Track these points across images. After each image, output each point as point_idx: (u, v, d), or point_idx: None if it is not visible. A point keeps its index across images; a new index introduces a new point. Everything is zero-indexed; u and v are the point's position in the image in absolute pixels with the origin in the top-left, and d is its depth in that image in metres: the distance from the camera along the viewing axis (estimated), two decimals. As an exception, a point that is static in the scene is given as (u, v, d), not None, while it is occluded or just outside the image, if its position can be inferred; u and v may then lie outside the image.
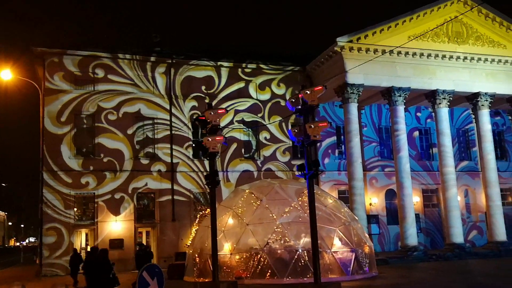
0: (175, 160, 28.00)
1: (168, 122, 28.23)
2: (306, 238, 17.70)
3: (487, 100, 30.24)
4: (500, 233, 29.11)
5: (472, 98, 30.43)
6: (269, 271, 17.99)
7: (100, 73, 27.42)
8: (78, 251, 23.06)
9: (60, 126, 26.39)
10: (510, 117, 34.11)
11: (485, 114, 30.35)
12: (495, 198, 29.59)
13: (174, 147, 28.09)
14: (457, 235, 28.09)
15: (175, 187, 27.75)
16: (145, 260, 17.06)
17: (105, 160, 26.82)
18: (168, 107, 28.38)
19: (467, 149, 34.76)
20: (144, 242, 27.24)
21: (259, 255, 18.26)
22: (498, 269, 22.15)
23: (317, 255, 13.94)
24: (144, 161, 27.63)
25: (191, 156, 28.29)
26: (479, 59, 30.03)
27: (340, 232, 19.26)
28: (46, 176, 25.75)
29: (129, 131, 27.55)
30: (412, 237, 26.98)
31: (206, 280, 18.01)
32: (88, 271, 14.62)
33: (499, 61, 30.52)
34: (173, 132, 28.16)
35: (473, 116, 31.85)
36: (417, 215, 29.68)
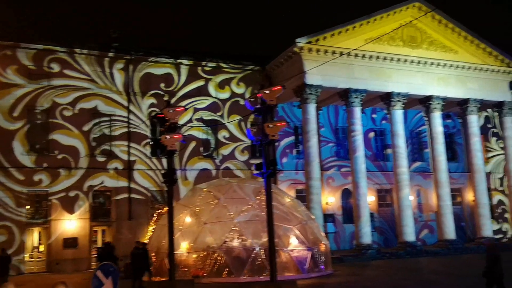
0: (132, 158, 27.58)
1: (126, 119, 27.76)
2: (263, 237, 17.87)
3: (439, 103, 31.41)
4: (450, 232, 30.31)
5: (425, 101, 31.53)
6: (226, 269, 18.08)
7: (56, 67, 26.64)
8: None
9: (12, 121, 25.45)
10: (460, 120, 35.53)
11: (437, 117, 31.51)
12: (446, 198, 30.77)
13: (131, 144, 27.66)
14: (409, 233, 29.04)
15: (132, 185, 27.33)
16: (143, 259, 17.01)
17: (59, 157, 26.08)
18: (126, 104, 27.90)
19: (419, 150, 35.96)
20: (99, 241, 26.69)
21: (216, 254, 18.32)
22: (447, 266, 23.10)
23: (273, 254, 14.12)
24: (101, 159, 27.05)
25: (148, 154, 27.93)
26: (432, 63, 31.15)
27: (296, 231, 19.56)
28: (-4, 173, 24.79)
29: (85, 128, 26.91)
30: (367, 235, 27.69)
31: (163, 279, 17.88)
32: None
33: (451, 65, 31.78)
34: (130, 129, 27.70)
35: (426, 119, 32.99)
36: (371, 214, 30.46)
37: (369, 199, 29.54)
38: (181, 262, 18.47)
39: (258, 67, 31.03)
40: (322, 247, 20.32)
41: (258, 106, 15.02)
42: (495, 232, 34.31)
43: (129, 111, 27.89)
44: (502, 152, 35.80)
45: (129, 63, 28.19)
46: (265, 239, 16.79)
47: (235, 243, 18.82)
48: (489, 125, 38.14)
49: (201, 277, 18.04)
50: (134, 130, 27.75)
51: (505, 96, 34.11)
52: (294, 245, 19.32)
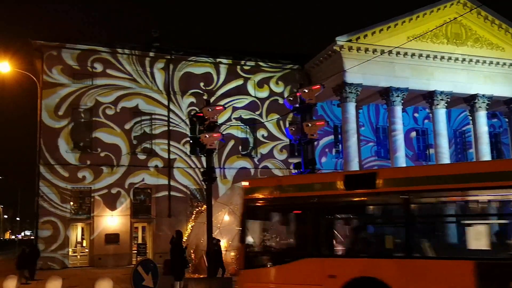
0: (172, 156, 28.01)
1: (166, 118, 28.23)
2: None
3: (484, 102, 30.32)
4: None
5: (470, 100, 30.50)
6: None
7: (99, 67, 27.38)
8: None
9: (57, 119, 26.35)
10: (507, 120, 34.18)
11: (482, 116, 30.43)
12: (491, 200, 29.63)
13: (171, 143, 28.10)
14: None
15: (172, 183, 27.76)
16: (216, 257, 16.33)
17: (102, 154, 26.80)
18: (166, 103, 28.37)
19: (463, 150, 34.86)
20: (140, 237, 27.28)
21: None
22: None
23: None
24: (141, 157, 27.62)
25: (188, 152, 28.30)
26: (478, 61, 30.08)
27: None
28: (43, 169, 25.72)
29: (127, 126, 27.53)
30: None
31: (201, 276, 18.04)
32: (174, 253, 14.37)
33: (497, 63, 30.59)
34: (170, 128, 28.15)
35: (470, 118, 31.89)
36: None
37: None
38: (220, 260, 18.51)
39: (297, 65, 30.86)
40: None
41: (297, 105, 14.97)
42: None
43: (169, 110, 28.33)
44: (552, 153, 34.19)
45: (169, 63, 28.63)
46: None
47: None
48: (538, 125, 36.49)
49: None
50: (174, 128, 28.18)
51: (556, 94, 32.52)
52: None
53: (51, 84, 26.41)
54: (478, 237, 8.38)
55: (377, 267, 8.74)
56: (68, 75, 26.80)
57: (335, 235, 9.89)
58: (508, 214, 8.68)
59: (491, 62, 30.41)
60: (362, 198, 9.63)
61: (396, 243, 9.13)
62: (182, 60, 28.94)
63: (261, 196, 10.73)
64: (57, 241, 25.30)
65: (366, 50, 27.65)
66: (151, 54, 28.37)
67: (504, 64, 30.76)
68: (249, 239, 10.84)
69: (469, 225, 8.65)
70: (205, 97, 26.29)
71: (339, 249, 9.74)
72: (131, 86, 27.83)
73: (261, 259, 10.35)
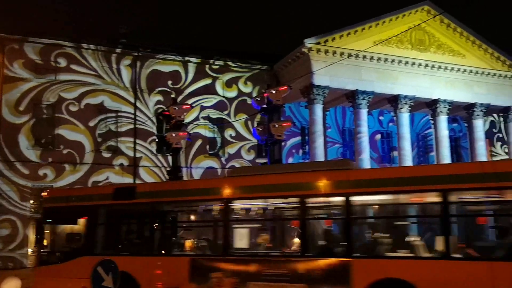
0: (138, 155, 27.63)
1: (132, 116, 27.82)
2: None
3: (445, 107, 31.28)
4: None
5: (432, 104, 31.40)
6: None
7: (63, 62, 26.71)
8: None
9: (18, 115, 25.55)
10: (466, 124, 35.36)
11: (443, 121, 31.38)
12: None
13: (137, 141, 27.72)
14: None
15: (137, 182, 27.36)
16: None
17: (64, 152, 26.16)
18: (132, 100, 27.95)
19: (425, 153, 35.82)
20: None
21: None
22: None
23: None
24: (106, 155, 27.12)
25: (154, 151, 27.98)
26: (440, 67, 31.01)
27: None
28: (2, 166, 24.88)
29: (91, 123, 26.98)
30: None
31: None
32: None
33: (458, 69, 31.62)
34: (137, 126, 27.76)
35: (432, 122, 32.85)
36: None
37: (373, 201, 29.41)
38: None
39: (266, 66, 31.01)
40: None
41: (264, 106, 15.08)
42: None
43: (136, 108, 27.94)
44: (506, 157, 35.56)
45: (137, 60, 28.24)
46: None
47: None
48: (495, 130, 37.91)
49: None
50: (140, 126, 27.80)
51: (512, 101, 33.92)
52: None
53: (12, 79, 25.58)
54: (192, 238, 11.16)
55: (130, 263, 10.69)
56: (30, 70, 26.02)
57: (105, 238, 11.95)
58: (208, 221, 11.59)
59: (452, 68, 31.40)
60: (124, 207, 11.83)
61: (145, 243, 11.35)
62: (150, 57, 28.59)
63: (55, 205, 12.79)
64: (16, 240, 24.52)
65: (334, 53, 28.06)
66: (118, 50, 27.89)
67: (465, 70, 31.82)
68: (44, 241, 12.88)
69: (188, 229, 11.80)
70: (172, 96, 26.03)
71: (106, 248, 11.70)
72: (96, 83, 27.28)
73: (52, 257, 12.47)
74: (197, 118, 29.10)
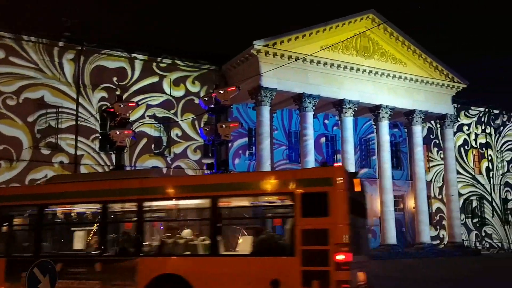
0: (79, 152, 26.72)
1: (74, 112, 26.87)
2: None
3: (387, 113, 32.51)
4: (391, 237, 31.41)
5: (375, 110, 32.54)
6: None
7: (0, 54, 25.38)
8: None
9: (-51, 107, 24.02)
10: (406, 130, 36.93)
11: (384, 126, 32.59)
12: (389, 204, 31.87)
13: (79, 138, 26.79)
14: (354, 237, 29.77)
15: (78, 181, 26.45)
16: None
17: (0, 148, 24.86)
18: (75, 96, 27.00)
19: (367, 157, 37.03)
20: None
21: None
22: (385, 269, 23.87)
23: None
24: (45, 152, 26.02)
25: (97, 149, 27.16)
26: (383, 73, 32.20)
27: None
28: None
29: (30, 119, 25.80)
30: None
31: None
32: None
33: (400, 77, 32.97)
34: (79, 122, 26.83)
35: (374, 127, 34.04)
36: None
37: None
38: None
39: (214, 66, 30.93)
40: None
41: (212, 106, 14.99)
42: (433, 238, 35.86)
43: (78, 104, 27.01)
44: (442, 162, 37.48)
45: (81, 54, 27.31)
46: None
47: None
48: (432, 136, 39.83)
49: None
50: (82, 123, 26.88)
51: (448, 109, 35.78)
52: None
53: None
54: (10, 241, 11.70)
55: None
56: (-36, 60, 24.54)
57: None
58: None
59: (394, 76, 32.69)
60: None
61: None
62: (95, 52, 27.74)
63: None
64: None
65: (282, 56, 28.43)
66: (61, 43, 26.85)
67: (406, 78, 33.22)
68: None
69: (7, 232, 12.00)
70: (117, 93, 25.40)
71: None
72: (37, 76, 26.12)
73: None
74: (142, 117, 28.55)
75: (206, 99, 15.39)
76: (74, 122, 26.76)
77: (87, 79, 27.37)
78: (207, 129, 15.05)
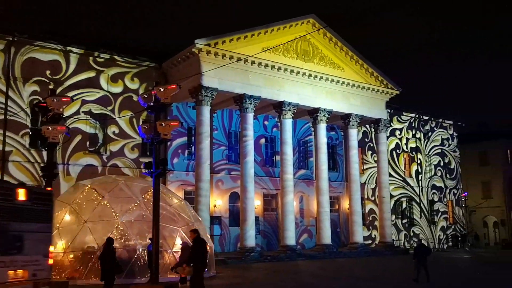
0: (7, 148, 25.23)
1: (3, 106, 25.35)
2: (148, 237, 17.43)
3: (325, 116, 33.38)
4: (326, 237, 32.26)
5: (313, 113, 33.31)
6: (106, 270, 17.27)
7: None
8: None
9: None
10: (342, 133, 38.12)
11: (322, 128, 33.45)
12: (325, 205, 32.72)
13: (7, 133, 25.30)
14: (291, 238, 30.36)
15: (6, 178, 24.91)
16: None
17: None
18: (4, 89, 25.48)
19: (305, 159, 37.84)
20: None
21: (96, 255, 17.41)
22: (322, 269, 24.55)
23: (157, 255, 13.86)
24: (-31, 147, 24.36)
25: (27, 145, 25.78)
26: (321, 77, 33.03)
27: (182, 232, 19.39)
28: None
29: (-48, 111, 24.05)
30: (251, 238, 28.38)
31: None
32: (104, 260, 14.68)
33: (338, 81, 33.98)
34: (8, 117, 25.33)
35: (313, 129, 34.84)
36: (257, 218, 31.31)
37: (255, 203, 30.33)
38: (57, 263, 17.27)
39: (154, 63, 30.34)
40: (208, 249, 20.35)
41: (151, 104, 14.72)
42: (365, 238, 37.26)
43: (7, 97, 25.49)
44: (376, 165, 39.02)
45: (11, 45, 25.83)
46: (148, 240, 16.45)
47: (117, 243, 18.07)
48: (367, 140, 41.39)
49: (77, 278, 17.07)
50: (11, 118, 25.40)
51: (382, 114, 37.33)
52: (179, 247, 19.09)
53: None
54: None
55: None
56: None
57: None
58: None
59: (332, 80, 33.63)
60: None
61: None
62: (27, 43, 26.32)
63: None
64: None
65: (224, 56, 28.41)
66: (-11, 33, 25.26)
67: (343, 83, 34.28)
68: None
69: None
70: (51, 87, 24.21)
71: None
72: (-39, 66, 24.40)
73: None
74: (77, 112, 27.47)
75: (146, 96, 15.08)
76: (2, 116, 25.24)
77: (17, 72, 25.93)
78: (146, 127, 14.76)
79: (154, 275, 13.78)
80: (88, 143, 27.94)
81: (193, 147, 30.98)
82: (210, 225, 27.81)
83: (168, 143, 29.35)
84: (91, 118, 28.02)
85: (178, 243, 19.15)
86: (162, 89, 14.25)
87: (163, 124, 14.16)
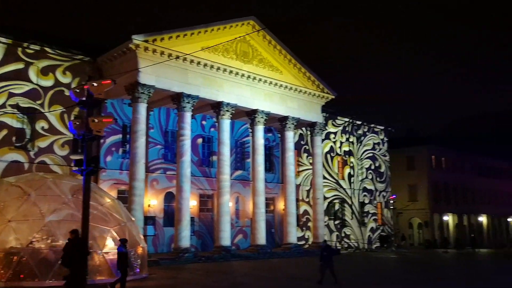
0: None
1: None
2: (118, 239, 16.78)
3: (263, 118, 33.73)
4: (261, 237, 32.58)
5: (251, 114, 33.54)
6: (30, 273, 16.41)
7: None
8: None
9: None
10: (279, 135, 38.68)
11: (260, 130, 33.75)
12: (261, 205, 33.03)
13: None
14: (226, 238, 30.35)
15: None
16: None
17: None
18: None
19: (242, 159, 38.01)
20: None
21: (19, 255, 16.51)
22: (256, 269, 24.74)
23: (85, 256, 13.33)
24: None
25: None
26: (260, 79, 33.34)
27: (114, 233, 18.83)
28: None
29: None
30: (185, 239, 28.06)
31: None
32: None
33: (276, 84, 34.44)
34: None
35: (250, 131, 35.07)
36: (192, 218, 31.03)
37: (191, 203, 30.02)
38: (-25, 265, 16.20)
39: (88, 58, 29.22)
40: (139, 250, 19.92)
41: (84, 99, 14.14)
42: (299, 239, 38.02)
43: None
44: (311, 167, 39.95)
45: None
46: (78, 240, 15.78)
47: (43, 244, 17.23)
48: (302, 142, 42.28)
49: (-1, 281, 16.09)
50: None
51: (318, 117, 38.29)
52: (110, 247, 18.52)
53: None
54: None
55: None
56: None
57: None
58: None
59: (270, 82, 34.05)
60: None
61: None
62: None
63: None
64: None
65: (162, 53, 27.92)
66: None
67: (281, 85, 34.81)
68: None
69: None
70: (-27, 77, 22.69)
71: None
72: None
73: None
74: (3, 106, 25.90)
75: (78, 91, 14.46)
76: None
77: None
78: (78, 123, 14.14)
79: (73, 277, 13.03)
80: (14, 138, 26.41)
81: (128, 145, 30.15)
82: (143, 225, 27.17)
83: (102, 141, 28.42)
84: (18, 112, 26.51)
85: (110, 244, 18.58)
86: (95, 84, 13.74)
87: (96, 120, 13.65)
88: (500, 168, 69.15)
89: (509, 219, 70.07)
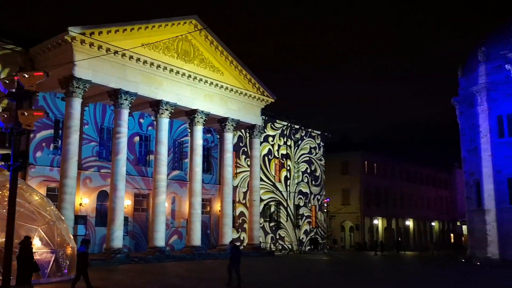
0: None
1: None
2: (0, 237, 15.85)
3: (202, 118, 33.59)
4: (196, 238, 32.40)
5: (191, 114, 33.31)
6: None
7: None
8: None
9: None
10: (218, 136, 38.68)
11: (199, 130, 33.59)
12: (197, 206, 32.86)
13: None
14: (160, 239, 29.90)
15: None
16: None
17: None
18: None
19: (180, 159, 37.61)
20: None
21: None
22: (190, 271, 24.59)
23: (10, 256, 12.68)
24: None
25: None
26: (201, 79, 33.20)
27: (42, 232, 18.02)
28: None
29: None
30: (118, 239, 27.34)
31: None
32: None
33: (216, 85, 34.44)
34: None
35: (189, 131, 34.80)
36: (126, 218, 30.27)
37: (125, 202, 29.33)
38: None
39: (20, 48, 27.76)
40: (69, 250, 19.17)
41: (13, 90, 13.47)
42: (235, 240, 38.10)
43: None
44: (248, 169, 40.27)
45: None
46: (2, 239, 14.93)
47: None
48: (241, 144, 42.52)
49: None
50: None
51: (257, 120, 38.70)
52: (37, 247, 17.66)
53: None
54: None
55: None
56: None
57: None
58: None
59: (211, 83, 34.00)
60: None
61: None
62: None
63: None
64: None
65: (100, 47, 27.08)
66: None
67: (222, 86, 34.85)
68: None
69: None
70: None
71: None
72: None
73: None
74: None
75: (7, 81, 13.75)
76: None
77: None
78: (6, 116, 13.43)
79: (6, 278, 12.55)
80: None
81: (60, 141, 28.92)
82: (74, 225, 26.23)
83: (31, 135, 27.13)
84: None
85: (37, 243, 17.75)
86: (27, 75, 13.11)
87: (26, 113, 13.03)
88: (426, 174, 73.12)
89: (432, 223, 74.27)
